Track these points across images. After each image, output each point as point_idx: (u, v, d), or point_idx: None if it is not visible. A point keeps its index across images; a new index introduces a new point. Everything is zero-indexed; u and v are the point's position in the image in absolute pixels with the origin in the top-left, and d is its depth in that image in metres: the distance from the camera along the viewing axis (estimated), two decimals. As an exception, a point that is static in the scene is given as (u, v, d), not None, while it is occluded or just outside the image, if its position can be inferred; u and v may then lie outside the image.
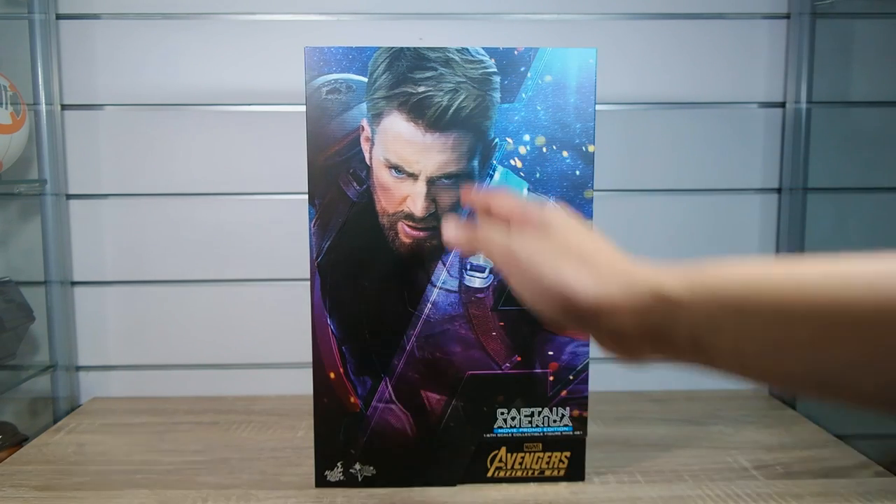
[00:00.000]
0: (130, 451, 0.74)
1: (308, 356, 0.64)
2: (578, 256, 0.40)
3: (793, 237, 0.89)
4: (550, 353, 0.65)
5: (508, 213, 0.47)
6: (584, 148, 0.63)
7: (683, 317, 0.35)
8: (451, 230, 0.48)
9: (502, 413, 0.66)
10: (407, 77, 0.61)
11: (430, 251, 0.63)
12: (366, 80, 0.61)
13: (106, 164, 0.89)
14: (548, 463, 0.67)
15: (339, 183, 0.62)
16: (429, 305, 0.64)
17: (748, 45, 0.89)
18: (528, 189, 0.63)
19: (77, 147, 0.88)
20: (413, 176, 0.62)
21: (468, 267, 0.63)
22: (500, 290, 0.64)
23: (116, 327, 0.91)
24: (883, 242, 0.84)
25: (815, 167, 0.87)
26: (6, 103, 0.76)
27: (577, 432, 0.66)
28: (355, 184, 0.62)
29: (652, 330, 0.37)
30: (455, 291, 0.64)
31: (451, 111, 0.61)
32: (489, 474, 0.66)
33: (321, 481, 0.66)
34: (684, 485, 0.66)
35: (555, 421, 0.66)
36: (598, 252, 0.40)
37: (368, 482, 0.66)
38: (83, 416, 0.85)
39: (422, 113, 0.61)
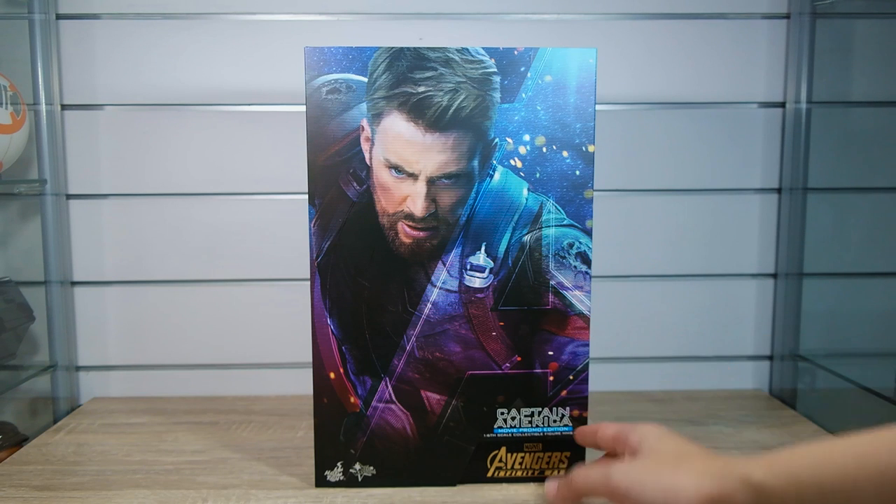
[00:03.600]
0: (130, 451, 0.74)
1: (308, 356, 0.64)
2: (673, 462, 0.48)
3: (793, 237, 0.89)
4: (550, 353, 0.65)
5: (612, 442, 0.56)
6: (584, 148, 0.63)
7: (773, 499, 0.42)
8: (554, 491, 0.54)
9: (502, 413, 0.66)
10: (407, 77, 0.61)
11: (430, 251, 0.63)
12: (366, 80, 0.61)
13: (106, 164, 0.89)
14: (548, 463, 0.67)
15: (339, 183, 0.62)
16: (429, 305, 0.64)
17: (748, 45, 0.89)
18: (528, 189, 0.63)
19: (77, 147, 0.88)
20: (413, 176, 0.62)
21: (468, 267, 0.63)
22: (500, 290, 0.64)
23: (116, 327, 0.91)
24: (883, 243, 0.84)
25: (815, 167, 0.87)
26: (6, 103, 0.76)
27: (577, 432, 0.66)
28: (355, 184, 0.62)
29: None
30: (455, 291, 0.64)
31: (451, 111, 0.61)
32: (489, 474, 0.66)
33: (321, 481, 0.66)
34: (684, 485, 0.66)
35: (555, 421, 0.66)
36: (689, 455, 0.49)
37: (368, 482, 0.66)
38: (83, 416, 0.85)
39: (422, 113, 0.61)
